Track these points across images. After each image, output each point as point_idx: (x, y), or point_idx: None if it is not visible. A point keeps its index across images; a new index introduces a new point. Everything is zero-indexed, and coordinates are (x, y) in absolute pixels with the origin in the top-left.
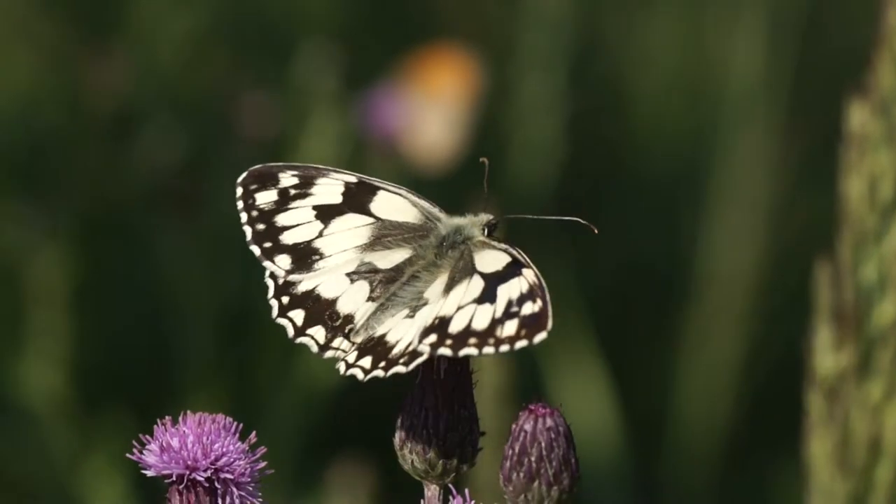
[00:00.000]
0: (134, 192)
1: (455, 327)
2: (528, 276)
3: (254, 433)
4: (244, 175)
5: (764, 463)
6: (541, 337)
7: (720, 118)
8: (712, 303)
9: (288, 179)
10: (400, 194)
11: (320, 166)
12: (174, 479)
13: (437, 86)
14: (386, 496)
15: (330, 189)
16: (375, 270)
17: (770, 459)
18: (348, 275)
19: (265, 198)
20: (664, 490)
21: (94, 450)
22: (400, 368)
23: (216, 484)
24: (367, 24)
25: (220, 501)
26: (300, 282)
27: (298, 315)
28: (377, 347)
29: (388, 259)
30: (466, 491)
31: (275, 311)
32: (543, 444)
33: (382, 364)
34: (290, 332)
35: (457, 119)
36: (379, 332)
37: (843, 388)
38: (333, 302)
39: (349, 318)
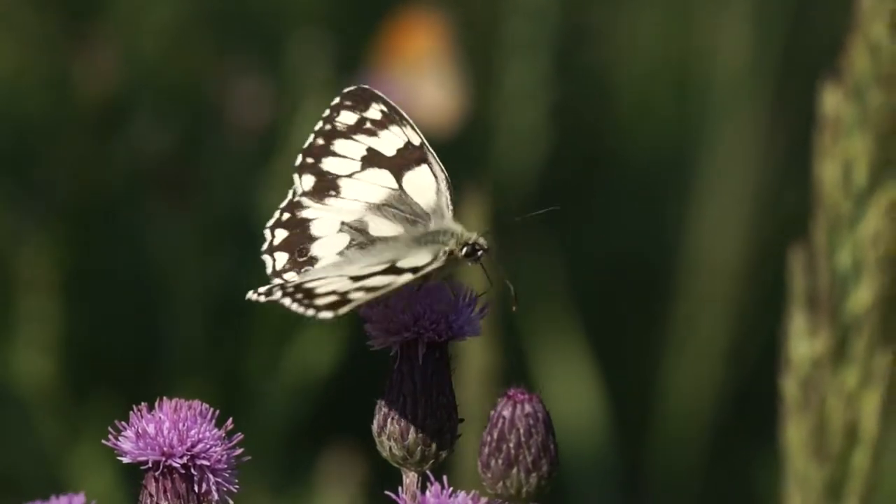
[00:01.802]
0: (124, 180)
1: (310, 284)
2: (399, 280)
3: (230, 420)
4: (351, 88)
5: (749, 451)
6: (324, 315)
7: (706, 106)
8: (698, 291)
9: (374, 112)
10: (436, 177)
11: (405, 114)
12: (150, 465)
13: (417, 51)
14: (376, 485)
15: (393, 140)
16: (364, 232)
17: (755, 447)
18: (343, 223)
19: (346, 118)
20: (649, 477)
21: (83, 438)
22: (261, 298)
23: (192, 470)
24: (348, 12)
25: (196, 488)
26: (307, 207)
27: (281, 234)
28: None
29: (379, 228)
30: (444, 478)
31: (271, 221)
32: (522, 431)
33: (263, 292)
34: (265, 245)
35: (448, 75)
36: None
37: (819, 374)
38: (313, 239)
39: (312, 260)
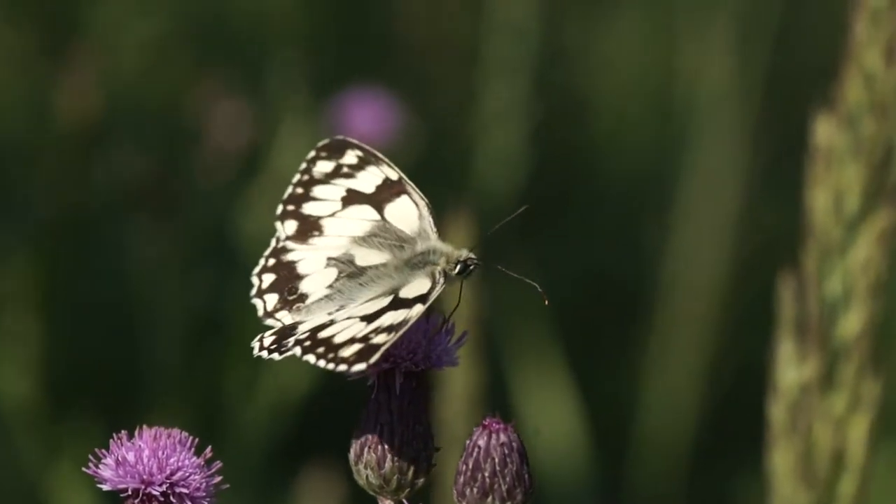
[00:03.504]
0: (104, 200)
1: (324, 333)
2: (412, 313)
3: (209, 448)
4: (325, 141)
5: (728, 472)
6: (357, 368)
7: (686, 127)
8: (677, 311)
9: (350, 157)
10: (417, 204)
11: (380, 155)
12: (129, 493)
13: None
14: None
15: (371, 179)
16: (351, 263)
17: (734, 468)
18: (329, 258)
19: (323, 167)
20: (629, 498)
21: (62, 457)
22: (275, 355)
23: (171, 498)
24: (330, 31)
25: None
26: (292, 251)
27: (268, 279)
28: (287, 331)
29: (366, 258)
30: None
31: (257, 268)
32: (497, 460)
33: (274, 346)
34: (254, 291)
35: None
36: (304, 319)
37: (807, 400)
38: (301, 278)
39: (303, 297)
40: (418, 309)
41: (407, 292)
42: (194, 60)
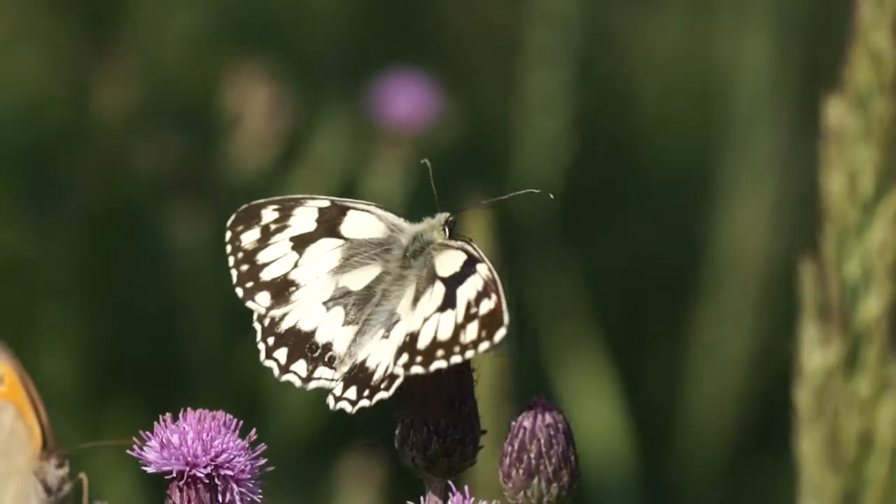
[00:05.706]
0: (143, 187)
1: (423, 342)
2: (482, 271)
3: (254, 430)
4: (232, 217)
5: (773, 463)
6: (500, 334)
7: (729, 116)
8: (722, 301)
9: (269, 215)
10: (368, 211)
11: (299, 196)
12: (174, 475)
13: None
14: (397, 490)
15: (305, 217)
16: (349, 293)
17: (779, 459)
18: (324, 303)
19: (249, 237)
20: (673, 489)
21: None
22: (382, 394)
23: (216, 480)
24: (373, 17)
25: (220, 498)
26: (283, 318)
27: (282, 353)
28: (359, 375)
29: (359, 279)
30: (466, 488)
31: (262, 355)
32: (543, 441)
33: (366, 392)
34: (276, 371)
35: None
36: (360, 357)
37: (832, 384)
38: (312, 333)
39: (328, 347)
40: (483, 269)
41: (447, 269)
42: (235, 44)
